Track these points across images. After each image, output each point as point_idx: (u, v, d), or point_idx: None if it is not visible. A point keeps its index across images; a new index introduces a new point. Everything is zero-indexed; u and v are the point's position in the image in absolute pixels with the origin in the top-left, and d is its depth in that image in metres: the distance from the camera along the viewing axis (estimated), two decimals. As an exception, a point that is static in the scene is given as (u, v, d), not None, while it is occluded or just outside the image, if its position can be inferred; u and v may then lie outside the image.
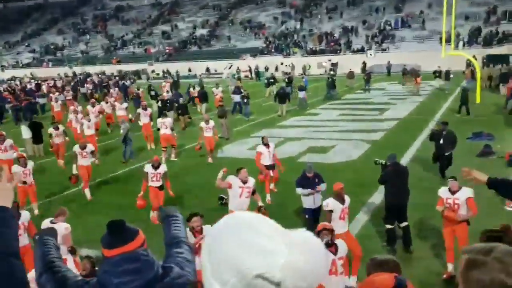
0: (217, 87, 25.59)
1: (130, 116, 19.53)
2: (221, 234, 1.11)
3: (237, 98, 23.87)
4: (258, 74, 45.55)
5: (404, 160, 13.69)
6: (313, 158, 14.53)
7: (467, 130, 16.01)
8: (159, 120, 16.00)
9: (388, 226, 8.24)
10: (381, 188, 11.19)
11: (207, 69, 50.16)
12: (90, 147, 12.40)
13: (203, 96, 24.55)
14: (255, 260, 1.02)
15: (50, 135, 16.01)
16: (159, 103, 22.49)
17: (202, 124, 14.96)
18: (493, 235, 2.59)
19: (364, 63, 41.60)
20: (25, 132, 17.41)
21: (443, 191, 7.59)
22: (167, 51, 57.29)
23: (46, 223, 6.82)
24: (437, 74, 29.94)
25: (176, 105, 21.65)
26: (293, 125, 20.37)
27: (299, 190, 8.56)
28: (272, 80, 31.49)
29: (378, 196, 10.63)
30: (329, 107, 25.28)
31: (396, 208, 8.20)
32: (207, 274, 1.11)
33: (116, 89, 31.05)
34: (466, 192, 7.40)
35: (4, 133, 14.10)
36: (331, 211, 7.30)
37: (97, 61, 59.40)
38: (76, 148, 12.15)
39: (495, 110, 20.62)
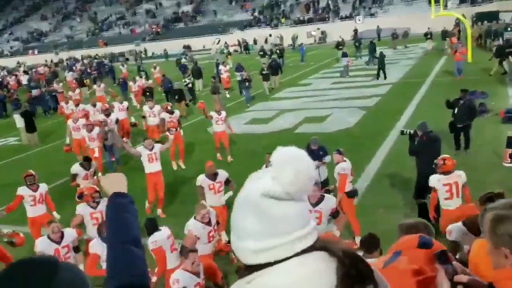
0: (224, 65, 23.81)
1: (133, 119, 16.04)
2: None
3: (239, 76, 21.66)
4: (247, 47, 45.13)
5: (400, 124, 13.76)
6: (310, 128, 14.54)
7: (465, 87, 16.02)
8: (146, 108, 14.19)
9: (422, 200, 7.62)
10: (379, 155, 11.34)
11: (188, 47, 49.45)
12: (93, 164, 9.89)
13: (197, 73, 24.35)
14: (255, 185, 1.14)
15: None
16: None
17: (213, 113, 12.18)
18: (492, 197, 2.62)
19: (356, 30, 41.11)
20: (19, 121, 17.25)
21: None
22: (153, 30, 56.49)
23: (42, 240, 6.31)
24: (428, 36, 29.75)
25: (168, 92, 20.04)
26: (287, 97, 20.30)
27: None
28: (270, 53, 31.15)
29: (376, 163, 10.71)
30: (321, 76, 25.16)
31: (424, 176, 7.37)
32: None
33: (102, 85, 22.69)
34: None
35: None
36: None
37: (83, 45, 58.53)
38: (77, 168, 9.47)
39: (487, 68, 20.60)
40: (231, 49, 42.38)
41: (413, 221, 2.97)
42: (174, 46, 49.92)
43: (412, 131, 8.20)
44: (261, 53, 31.62)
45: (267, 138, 13.93)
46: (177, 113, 13.31)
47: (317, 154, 8.48)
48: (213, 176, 7.76)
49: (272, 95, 20.99)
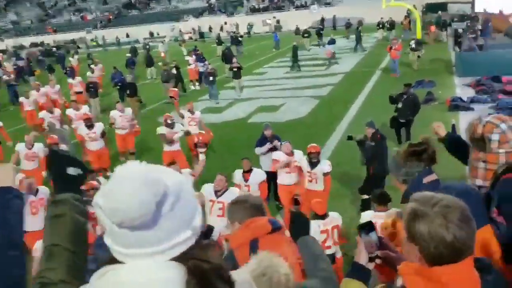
0: (190, 54, 21.74)
1: (91, 112, 13.54)
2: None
3: (201, 67, 20.29)
4: (202, 35, 44.52)
5: (351, 113, 13.95)
6: (263, 117, 14.48)
7: (411, 78, 16.41)
8: (115, 113, 11.36)
9: (366, 197, 7.31)
10: (330, 144, 11.42)
11: (151, 34, 48.29)
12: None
13: (149, 60, 23.76)
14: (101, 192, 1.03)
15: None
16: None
17: (184, 112, 10.75)
18: (416, 150, 2.54)
19: (323, 18, 40.95)
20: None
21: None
22: (106, 17, 54.71)
23: None
24: (380, 25, 30.29)
25: (120, 85, 17.70)
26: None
27: (257, 150, 8.44)
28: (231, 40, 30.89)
29: (327, 152, 10.78)
30: (276, 65, 25.15)
31: (382, 178, 7.29)
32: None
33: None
34: None
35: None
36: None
37: (31, 32, 55.93)
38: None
39: (436, 58, 21.19)
40: (186, 37, 41.70)
41: (243, 197, 2.71)
42: (132, 32, 48.60)
43: (361, 137, 7.88)
44: (217, 40, 31.32)
45: (220, 127, 13.76)
46: (197, 114, 11.03)
47: (271, 141, 8.39)
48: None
49: (226, 84, 20.76)
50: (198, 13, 49.73)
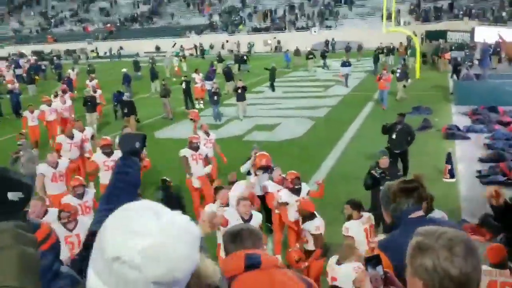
0: (197, 72, 20.91)
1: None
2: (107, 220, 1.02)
3: (209, 85, 19.17)
4: (203, 52, 44.78)
5: (347, 136, 13.92)
6: (259, 136, 14.47)
7: (408, 105, 16.47)
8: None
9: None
10: (326, 164, 11.35)
11: (157, 48, 48.22)
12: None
13: (153, 74, 23.85)
14: (115, 240, 0.93)
15: None
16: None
17: (200, 134, 10.00)
18: (407, 188, 2.52)
19: (327, 41, 41.43)
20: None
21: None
22: (108, 28, 55.03)
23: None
24: (379, 50, 30.54)
25: (116, 104, 17.38)
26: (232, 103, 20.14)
27: (242, 167, 8.23)
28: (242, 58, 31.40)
29: (322, 173, 10.70)
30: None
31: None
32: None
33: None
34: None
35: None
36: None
37: (31, 40, 56.10)
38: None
39: (434, 84, 21.32)
40: (187, 53, 41.91)
41: (237, 227, 2.46)
42: (132, 46, 48.80)
43: (381, 173, 7.45)
44: (218, 58, 31.54)
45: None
46: (212, 136, 10.36)
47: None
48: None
49: (224, 101, 20.74)
50: (200, 30, 50.09)
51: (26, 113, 14.66)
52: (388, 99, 17.74)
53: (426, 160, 11.01)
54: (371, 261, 1.77)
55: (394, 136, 9.85)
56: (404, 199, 2.51)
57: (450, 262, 1.40)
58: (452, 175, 9.87)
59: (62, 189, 8.32)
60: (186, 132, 15.51)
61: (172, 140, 14.31)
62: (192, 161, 8.77)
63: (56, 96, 16.32)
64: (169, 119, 17.59)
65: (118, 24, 55.64)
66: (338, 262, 4.60)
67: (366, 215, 6.14)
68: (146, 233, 0.93)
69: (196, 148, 8.87)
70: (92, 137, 10.76)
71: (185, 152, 8.85)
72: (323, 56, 30.59)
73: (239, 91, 17.01)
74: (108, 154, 8.63)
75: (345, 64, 23.05)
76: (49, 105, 14.83)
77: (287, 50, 35.58)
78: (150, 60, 31.56)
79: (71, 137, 10.35)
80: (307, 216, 6.15)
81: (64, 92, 17.31)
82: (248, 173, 8.17)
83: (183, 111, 19.07)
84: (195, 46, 46.44)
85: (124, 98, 16.45)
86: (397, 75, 18.88)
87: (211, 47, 45.73)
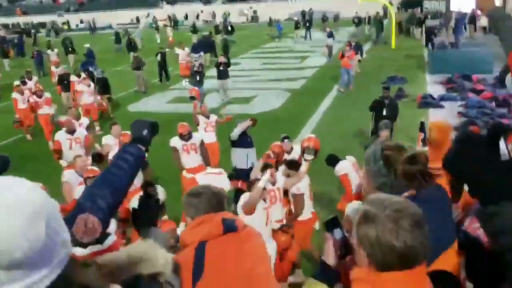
0: (181, 47, 19.16)
1: (53, 110, 11.82)
2: None
3: (198, 58, 18.14)
4: (176, 23, 43.79)
5: (322, 107, 13.87)
6: (234, 109, 14.27)
7: (383, 75, 16.46)
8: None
9: None
10: (301, 137, 11.29)
11: (138, 19, 46.66)
12: None
13: (131, 45, 23.28)
14: None
15: None
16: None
17: (200, 117, 8.96)
18: (409, 170, 2.12)
19: (304, 11, 40.70)
20: None
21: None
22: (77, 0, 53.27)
23: None
24: (355, 20, 30.33)
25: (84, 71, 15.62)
26: (215, 76, 19.79)
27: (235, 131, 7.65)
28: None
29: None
30: (251, 56, 24.92)
31: None
32: None
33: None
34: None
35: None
36: None
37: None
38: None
39: (409, 54, 21.34)
40: (161, 24, 40.90)
41: (200, 189, 2.35)
42: (105, 18, 47.38)
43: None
44: (192, 29, 30.87)
45: (189, 117, 13.42)
46: (213, 117, 9.21)
47: (245, 140, 7.83)
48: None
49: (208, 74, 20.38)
50: (173, 0, 48.88)
51: (15, 95, 12.85)
52: (369, 62, 17.67)
53: (400, 130, 11.05)
54: (329, 224, 1.68)
55: (384, 113, 9.30)
56: (404, 182, 2.12)
57: (395, 235, 1.32)
58: (425, 143, 9.93)
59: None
60: (159, 105, 15.36)
61: (145, 114, 14.05)
62: (183, 152, 7.69)
63: (24, 83, 14.31)
64: (141, 93, 17.22)
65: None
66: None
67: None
68: None
69: (187, 138, 7.72)
70: (88, 127, 9.38)
71: (175, 142, 7.72)
72: (307, 28, 30.24)
73: (221, 67, 15.23)
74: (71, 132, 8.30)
75: (331, 34, 22.63)
76: (22, 93, 12.91)
77: (279, 19, 34.94)
78: (124, 32, 30.73)
79: (72, 132, 8.40)
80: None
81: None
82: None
83: (157, 84, 18.73)
84: (169, 17, 45.37)
85: (96, 74, 15.35)
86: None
87: (186, 17, 44.75)
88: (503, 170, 1.83)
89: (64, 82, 14.68)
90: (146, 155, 1.91)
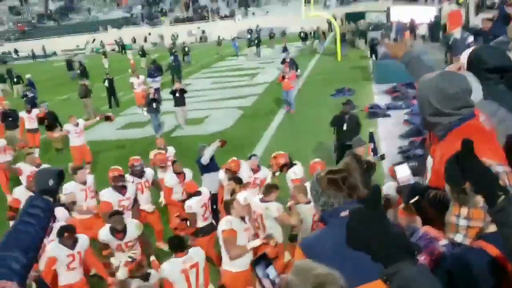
0: (136, 75, 18.07)
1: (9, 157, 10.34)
2: None
3: (156, 84, 17.99)
4: (124, 47, 43.26)
5: (274, 124, 14.00)
6: (187, 131, 14.19)
7: (331, 87, 16.84)
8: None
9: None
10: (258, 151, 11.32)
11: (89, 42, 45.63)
12: None
13: (84, 73, 23.01)
14: None
15: None
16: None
17: (69, 126, 9.56)
18: (334, 179, 2.13)
19: (249, 30, 40.86)
20: None
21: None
22: (18, 28, 51.66)
23: None
24: (302, 35, 31.01)
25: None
26: (164, 98, 19.60)
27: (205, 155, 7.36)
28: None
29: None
30: (201, 76, 24.91)
31: None
32: None
33: None
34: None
35: None
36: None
37: None
38: None
39: (354, 65, 21.97)
40: (108, 48, 40.32)
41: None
42: (49, 45, 46.07)
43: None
44: (141, 52, 30.56)
45: (141, 143, 13.21)
46: (171, 151, 8.94)
47: (214, 164, 7.70)
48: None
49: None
50: (120, 24, 48.32)
51: (23, 114, 12.76)
52: (317, 76, 17.95)
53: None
54: (259, 263, 1.54)
55: (345, 128, 9.31)
56: (332, 191, 2.12)
57: None
58: (375, 153, 10.17)
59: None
60: (109, 133, 14.98)
61: (93, 143, 13.62)
62: (137, 191, 7.00)
63: None
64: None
65: (33, 22, 52.36)
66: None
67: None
68: None
69: (140, 175, 7.12)
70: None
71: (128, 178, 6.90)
72: (257, 45, 30.56)
73: (177, 94, 14.22)
74: None
75: (285, 49, 23.53)
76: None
77: (235, 37, 34.99)
78: (72, 59, 30.03)
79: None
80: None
81: None
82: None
83: (107, 110, 18.29)
84: (116, 41, 44.78)
85: (42, 109, 13.88)
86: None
87: (134, 41, 44.28)
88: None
89: (8, 119, 13.19)
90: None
